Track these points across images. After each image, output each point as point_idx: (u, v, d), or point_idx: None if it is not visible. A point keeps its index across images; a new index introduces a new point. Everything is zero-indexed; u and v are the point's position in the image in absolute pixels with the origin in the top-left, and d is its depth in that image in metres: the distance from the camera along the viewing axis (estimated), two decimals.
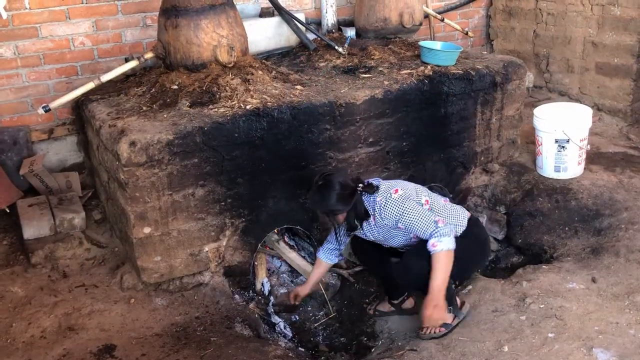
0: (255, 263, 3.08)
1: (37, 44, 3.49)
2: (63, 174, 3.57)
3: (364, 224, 2.65)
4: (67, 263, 3.00)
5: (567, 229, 3.28)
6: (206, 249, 2.88)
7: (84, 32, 3.59)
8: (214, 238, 2.89)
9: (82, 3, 3.54)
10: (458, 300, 2.68)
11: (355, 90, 3.14)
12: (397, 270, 2.65)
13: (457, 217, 2.66)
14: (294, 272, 3.15)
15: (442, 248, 2.43)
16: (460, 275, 2.77)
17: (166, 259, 2.80)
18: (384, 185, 2.65)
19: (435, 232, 2.45)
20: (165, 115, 2.83)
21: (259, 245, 3.04)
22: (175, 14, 2.99)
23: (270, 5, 3.87)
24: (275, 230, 3.20)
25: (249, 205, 2.92)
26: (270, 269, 3.19)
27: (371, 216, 2.62)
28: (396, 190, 2.59)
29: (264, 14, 3.95)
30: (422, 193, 2.66)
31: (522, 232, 3.39)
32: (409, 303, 2.94)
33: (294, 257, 3.11)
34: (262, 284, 3.04)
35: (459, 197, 3.59)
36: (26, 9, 3.41)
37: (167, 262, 2.81)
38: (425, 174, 3.44)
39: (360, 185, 2.61)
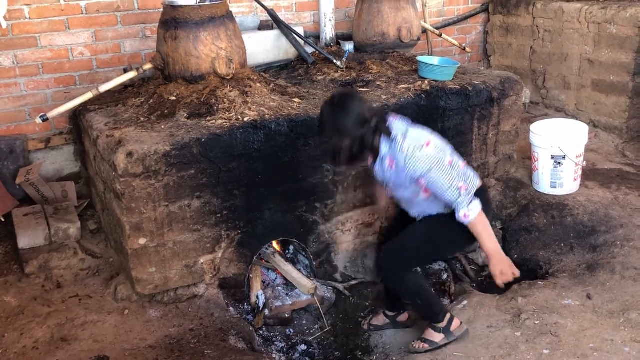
0: (251, 275, 3.07)
1: (36, 53, 3.50)
2: (59, 183, 3.56)
3: (378, 162, 2.52)
4: (61, 273, 2.99)
5: (562, 245, 3.28)
6: (201, 260, 2.87)
7: (83, 42, 3.60)
8: (210, 250, 2.88)
9: (82, 14, 3.55)
10: (455, 322, 2.65)
11: None
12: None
13: (473, 183, 2.53)
14: (289, 285, 3.14)
15: (474, 215, 2.42)
16: (453, 248, 2.82)
17: (161, 270, 2.79)
18: (414, 132, 2.48)
19: (460, 201, 2.40)
20: (162, 126, 2.84)
21: (255, 257, 3.04)
22: (175, 26, 3.00)
23: (270, 18, 3.90)
24: (275, 243, 3.20)
25: (245, 217, 2.92)
26: (266, 281, 3.18)
27: (387, 158, 2.48)
28: (428, 143, 2.43)
29: (263, 27, 3.98)
30: (447, 151, 2.51)
31: (518, 248, 3.39)
32: (403, 317, 2.94)
33: (290, 270, 3.10)
34: (257, 297, 3.03)
35: None
36: (26, 18, 3.43)
37: (162, 274, 2.80)
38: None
39: (376, 120, 2.43)
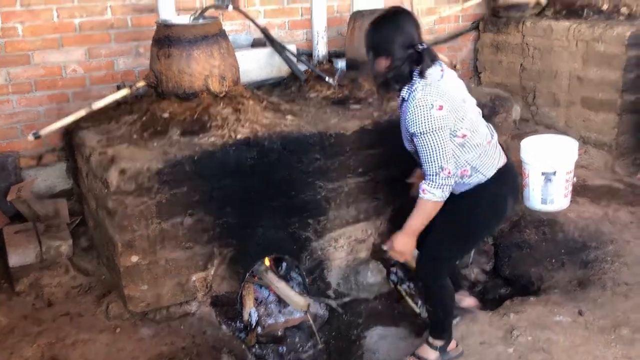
0: (243, 293, 3.06)
1: (28, 70, 3.51)
2: (51, 200, 3.55)
3: (400, 100, 2.42)
4: (52, 291, 2.97)
5: (554, 261, 3.30)
6: (194, 278, 2.86)
7: (76, 59, 3.61)
8: (202, 267, 2.87)
9: (76, 31, 3.57)
10: (452, 342, 2.63)
11: (345, 121, 3.18)
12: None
13: (483, 166, 2.41)
14: (281, 302, 3.13)
15: (431, 199, 2.30)
16: (464, 243, 2.62)
17: (153, 288, 2.78)
18: (438, 88, 2.29)
19: (433, 179, 2.27)
20: (155, 144, 2.84)
21: (247, 274, 3.03)
22: (168, 44, 3.02)
23: (263, 36, 3.93)
24: (267, 260, 3.19)
25: (238, 234, 2.92)
26: (258, 298, 3.17)
27: (406, 97, 2.35)
28: (440, 107, 2.25)
29: (256, 44, 4.01)
30: (465, 123, 2.32)
31: (510, 264, 3.40)
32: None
33: (283, 287, 3.10)
34: (250, 314, 3.02)
35: None
36: (19, 36, 3.44)
37: (154, 291, 2.78)
38: (413, 203, 3.45)
39: (422, 49, 2.29)
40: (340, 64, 4.11)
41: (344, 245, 3.26)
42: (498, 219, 2.63)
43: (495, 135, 2.57)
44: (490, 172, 2.45)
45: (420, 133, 2.27)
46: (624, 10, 4.41)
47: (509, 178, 2.55)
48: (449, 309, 2.62)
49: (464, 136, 2.34)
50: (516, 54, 4.91)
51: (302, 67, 3.92)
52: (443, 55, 4.67)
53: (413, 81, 2.33)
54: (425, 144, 2.27)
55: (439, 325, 2.62)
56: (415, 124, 2.27)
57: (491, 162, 2.46)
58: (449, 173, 2.29)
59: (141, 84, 3.13)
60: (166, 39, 3.03)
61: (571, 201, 3.65)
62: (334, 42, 4.37)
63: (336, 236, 3.22)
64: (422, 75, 2.30)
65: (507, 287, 3.37)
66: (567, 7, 4.69)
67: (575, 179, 3.69)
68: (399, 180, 3.34)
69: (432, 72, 2.33)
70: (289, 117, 3.20)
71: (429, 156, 2.29)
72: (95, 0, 3.57)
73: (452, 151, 2.32)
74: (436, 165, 2.28)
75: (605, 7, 4.47)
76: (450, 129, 2.30)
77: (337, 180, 3.14)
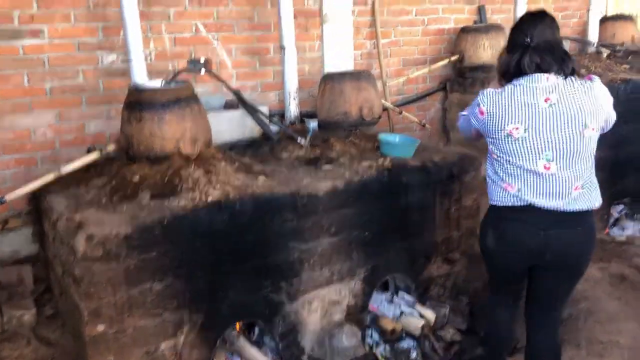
0: None
1: None
2: (15, 267, 3.43)
3: None
4: None
5: None
6: (163, 346, 2.76)
7: (46, 122, 3.59)
8: (171, 334, 2.78)
9: (47, 95, 3.56)
10: None
11: (318, 181, 3.19)
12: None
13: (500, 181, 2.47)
14: None
15: (460, 116, 2.70)
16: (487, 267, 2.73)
17: (120, 358, 2.67)
18: (504, 93, 2.39)
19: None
20: (125, 208, 2.80)
21: (218, 341, 2.94)
22: (140, 107, 3.03)
23: (235, 97, 3.98)
24: (239, 325, 3.11)
25: (209, 298, 2.85)
26: None
27: None
28: (481, 107, 2.46)
29: (228, 106, 4.05)
30: (514, 121, 2.32)
31: (486, 322, 3.37)
32: None
33: (255, 354, 3.01)
34: None
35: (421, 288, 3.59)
36: None
37: None
38: (388, 263, 3.45)
39: (531, 48, 2.32)
40: (312, 124, 4.17)
41: (317, 308, 3.21)
42: (496, 253, 2.56)
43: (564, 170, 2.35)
44: (501, 197, 2.47)
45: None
46: (583, 71, 4.61)
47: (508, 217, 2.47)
48: (487, 341, 2.75)
49: (515, 129, 2.34)
50: None
51: (274, 128, 3.96)
52: (412, 115, 4.79)
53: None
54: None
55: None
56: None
57: (505, 185, 2.45)
58: (465, 113, 2.70)
59: (111, 147, 3.12)
60: (137, 102, 3.04)
61: None
62: (306, 103, 4.45)
63: (310, 298, 3.17)
64: (518, 72, 2.41)
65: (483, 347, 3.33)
66: None
67: None
68: (372, 241, 3.35)
69: (527, 78, 2.38)
70: (261, 178, 3.20)
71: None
72: (66, 65, 3.59)
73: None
74: (462, 113, 2.78)
75: None
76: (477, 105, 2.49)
77: (310, 241, 3.12)
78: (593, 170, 2.39)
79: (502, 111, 2.35)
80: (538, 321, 2.60)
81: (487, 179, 2.54)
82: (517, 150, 2.35)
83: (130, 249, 2.59)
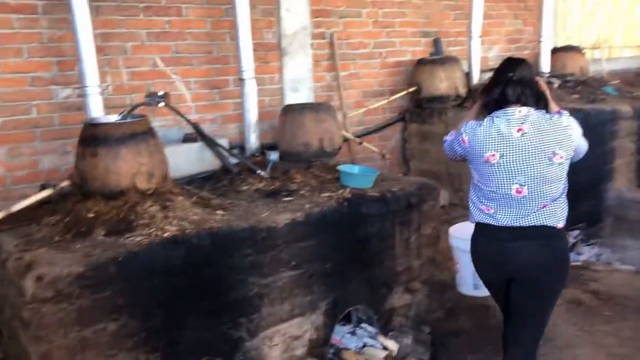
0: None
1: None
2: None
3: None
4: None
5: (490, 348, 3.30)
6: None
7: None
8: None
9: None
10: None
11: (277, 214, 3.18)
12: None
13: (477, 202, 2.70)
14: None
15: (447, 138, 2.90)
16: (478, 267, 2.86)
17: None
18: (481, 126, 2.64)
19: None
20: (78, 246, 2.73)
21: None
22: (95, 143, 2.98)
23: (194, 130, 3.96)
24: None
25: (165, 337, 2.78)
26: None
27: None
28: (463, 136, 2.70)
29: (187, 139, 4.03)
30: (491, 149, 2.56)
31: (447, 353, 3.39)
32: None
33: None
34: None
35: (383, 319, 3.58)
36: None
37: None
38: (349, 294, 3.43)
39: (507, 85, 2.59)
40: (273, 155, 4.18)
41: (278, 343, 3.16)
42: (477, 268, 2.81)
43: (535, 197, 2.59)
44: (478, 216, 2.70)
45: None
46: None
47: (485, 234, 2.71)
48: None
49: (492, 157, 2.57)
50: (441, 143, 5.13)
51: (234, 160, 3.95)
52: (374, 146, 4.85)
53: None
54: None
55: None
56: None
57: (477, 210, 2.70)
58: (451, 135, 2.93)
59: (65, 183, 3.06)
60: (92, 137, 2.99)
61: None
62: (267, 135, 4.47)
63: (270, 334, 3.13)
64: (496, 104, 2.67)
65: None
66: None
67: None
68: (333, 273, 3.34)
69: (505, 113, 2.61)
70: (220, 212, 3.17)
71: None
72: (19, 99, 3.53)
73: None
74: (446, 136, 3.01)
75: None
76: (463, 133, 2.72)
77: (270, 275, 3.09)
78: (564, 193, 2.62)
79: (481, 140, 2.59)
80: (513, 339, 2.72)
81: (469, 200, 2.76)
82: (493, 174, 2.58)
83: (83, 289, 2.52)
